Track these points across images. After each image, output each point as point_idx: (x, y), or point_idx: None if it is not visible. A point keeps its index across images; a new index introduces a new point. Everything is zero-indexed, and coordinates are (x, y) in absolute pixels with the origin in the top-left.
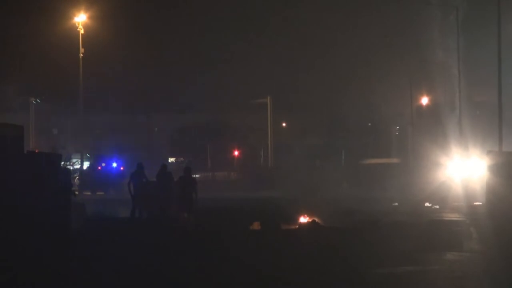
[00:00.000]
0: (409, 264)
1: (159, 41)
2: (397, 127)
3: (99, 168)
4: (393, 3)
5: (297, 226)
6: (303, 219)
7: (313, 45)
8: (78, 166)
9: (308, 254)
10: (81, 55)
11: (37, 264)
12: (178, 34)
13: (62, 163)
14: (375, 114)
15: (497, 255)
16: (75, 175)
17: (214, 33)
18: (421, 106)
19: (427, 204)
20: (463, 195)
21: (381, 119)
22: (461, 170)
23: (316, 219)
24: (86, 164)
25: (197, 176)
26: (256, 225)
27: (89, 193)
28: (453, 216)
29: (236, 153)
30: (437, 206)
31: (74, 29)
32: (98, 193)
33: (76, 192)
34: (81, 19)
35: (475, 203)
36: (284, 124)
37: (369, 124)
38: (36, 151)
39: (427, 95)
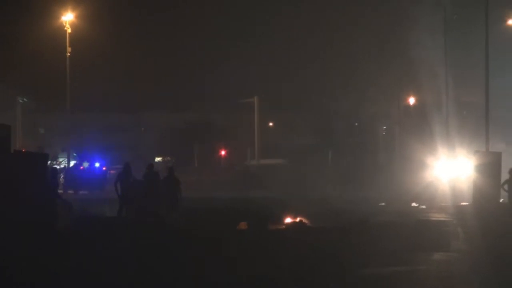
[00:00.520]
0: (397, 264)
1: (147, 42)
2: (384, 127)
3: (82, 167)
4: (380, 3)
5: (284, 226)
6: (290, 219)
7: (300, 45)
8: (64, 166)
9: (295, 255)
10: (68, 54)
11: (22, 264)
12: (167, 34)
13: (49, 162)
14: (363, 114)
15: (484, 255)
16: (60, 175)
17: (204, 33)
18: (408, 106)
19: (414, 204)
20: (450, 195)
21: (368, 119)
22: (448, 170)
23: (303, 219)
24: (72, 164)
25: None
26: (242, 225)
27: (72, 192)
28: (440, 216)
29: (223, 152)
30: (424, 206)
31: (62, 28)
32: (81, 192)
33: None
34: (68, 18)
35: (462, 203)
36: (271, 124)
37: (356, 124)
38: (23, 150)
39: (414, 95)
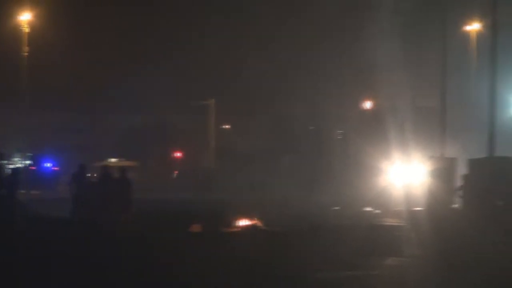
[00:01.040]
0: (350, 268)
1: (105, 41)
2: (340, 131)
3: (32, 168)
4: (337, 5)
5: (238, 229)
6: (244, 222)
7: (257, 47)
8: (19, 165)
9: (249, 258)
10: (26, 53)
11: None
12: (124, 35)
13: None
14: (318, 118)
15: (437, 260)
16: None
17: (162, 33)
18: (364, 110)
19: (368, 208)
20: (404, 200)
21: (324, 123)
22: (402, 175)
23: (258, 222)
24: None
25: (137, 176)
26: (196, 228)
27: (23, 191)
28: (394, 221)
29: (178, 154)
30: (378, 211)
31: (20, 27)
32: (32, 192)
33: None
34: (26, 17)
35: (416, 208)
36: (227, 126)
37: (312, 127)
38: None
39: (371, 100)
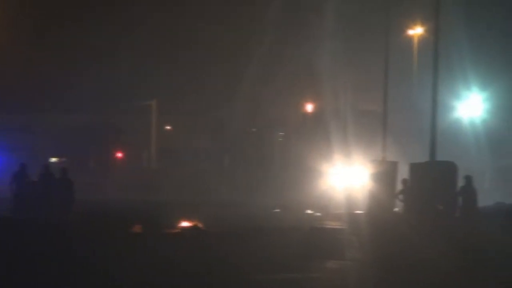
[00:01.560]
0: (291, 271)
1: (43, 40)
2: (281, 133)
3: None
4: (281, 7)
5: (179, 230)
6: (185, 223)
7: (200, 47)
8: None
9: (188, 259)
10: None
11: None
12: (65, 33)
13: None
14: (260, 120)
15: (377, 264)
16: None
17: (103, 33)
18: (306, 113)
19: (309, 211)
20: (345, 203)
21: (266, 125)
22: (344, 178)
23: (199, 224)
24: None
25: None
26: (136, 228)
27: None
28: (335, 224)
29: (119, 155)
30: (319, 214)
31: None
32: None
33: None
34: None
35: (356, 211)
36: (169, 127)
37: (253, 129)
38: None
39: (313, 102)
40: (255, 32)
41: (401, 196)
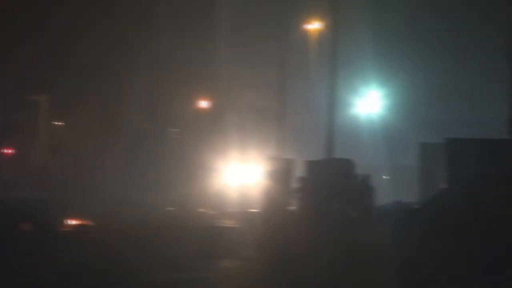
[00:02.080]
0: (185, 271)
1: None
2: (176, 130)
3: None
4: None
5: (67, 229)
6: (74, 221)
7: (92, 42)
8: None
9: (75, 259)
10: None
11: None
12: None
13: None
14: (154, 115)
15: (272, 262)
16: None
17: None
18: (201, 109)
19: (203, 210)
20: (240, 201)
21: (160, 121)
22: (239, 176)
23: (87, 221)
24: None
25: None
26: (24, 226)
27: None
28: (230, 223)
29: (8, 151)
30: (213, 212)
31: None
32: None
33: None
34: None
35: (251, 210)
36: (61, 123)
37: (147, 126)
38: None
39: (208, 99)
40: (149, 26)
41: (297, 194)
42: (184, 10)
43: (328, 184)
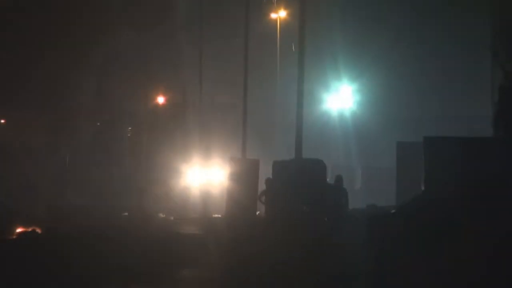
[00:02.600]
0: (141, 280)
1: None
2: (129, 128)
3: None
4: None
5: (14, 236)
6: (22, 229)
7: (40, 32)
8: None
9: (26, 268)
10: None
11: None
12: None
13: None
14: (106, 114)
15: (236, 272)
16: None
17: None
18: (157, 105)
19: (161, 215)
20: (202, 206)
21: (113, 119)
22: (200, 177)
23: (37, 228)
24: None
25: None
26: None
27: None
28: (190, 229)
29: None
30: (172, 218)
31: None
32: None
33: None
34: None
35: (214, 215)
36: (2, 121)
37: (98, 123)
38: None
39: (164, 94)
40: (103, 20)
41: (263, 198)
42: (143, 4)
43: (298, 186)
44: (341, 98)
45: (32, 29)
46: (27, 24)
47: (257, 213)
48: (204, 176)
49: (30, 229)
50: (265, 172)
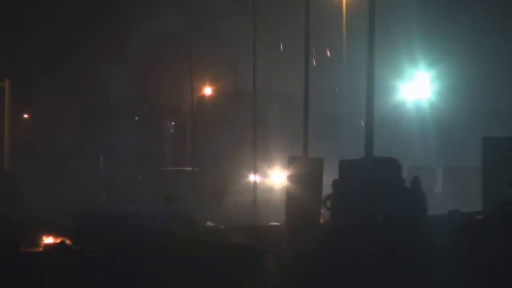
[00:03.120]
0: None
1: None
2: (173, 123)
3: None
4: None
5: (42, 249)
6: (50, 240)
7: (65, 20)
8: None
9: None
10: None
11: None
12: None
13: None
14: (145, 106)
15: None
16: None
17: None
18: (203, 97)
19: (210, 223)
20: (258, 213)
21: (153, 112)
22: (257, 179)
23: (66, 240)
24: None
25: None
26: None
27: None
28: (242, 240)
29: None
30: (222, 226)
31: None
32: None
33: None
34: None
35: (272, 223)
36: (26, 116)
37: (136, 118)
38: None
39: (212, 84)
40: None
41: (329, 203)
42: None
43: (369, 191)
44: (417, 86)
45: (63, 16)
46: (58, 11)
47: (322, 221)
48: (260, 178)
49: (59, 240)
50: (331, 173)
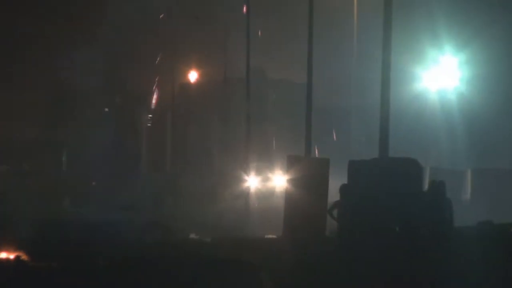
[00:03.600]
0: None
1: None
2: (150, 116)
3: None
4: None
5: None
6: (2, 255)
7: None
8: None
9: None
10: None
11: None
12: None
13: None
14: (116, 96)
15: None
16: None
17: None
18: (187, 84)
19: (193, 235)
20: (252, 222)
21: (125, 103)
22: (250, 182)
23: (22, 254)
24: None
25: None
26: None
27: None
28: (233, 255)
29: None
30: (208, 239)
31: None
32: None
33: None
34: None
35: (268, 236)
36: None
37: (106, 109)
38: None
39: (197, 68)
40: None
41: (336, 213)
42: None
43: (384, 195)
44: (442, 73)
45: None
46: None
47: (328, 233)
48: (257, 180)
49: (14, 255)
50: (339, 175)
